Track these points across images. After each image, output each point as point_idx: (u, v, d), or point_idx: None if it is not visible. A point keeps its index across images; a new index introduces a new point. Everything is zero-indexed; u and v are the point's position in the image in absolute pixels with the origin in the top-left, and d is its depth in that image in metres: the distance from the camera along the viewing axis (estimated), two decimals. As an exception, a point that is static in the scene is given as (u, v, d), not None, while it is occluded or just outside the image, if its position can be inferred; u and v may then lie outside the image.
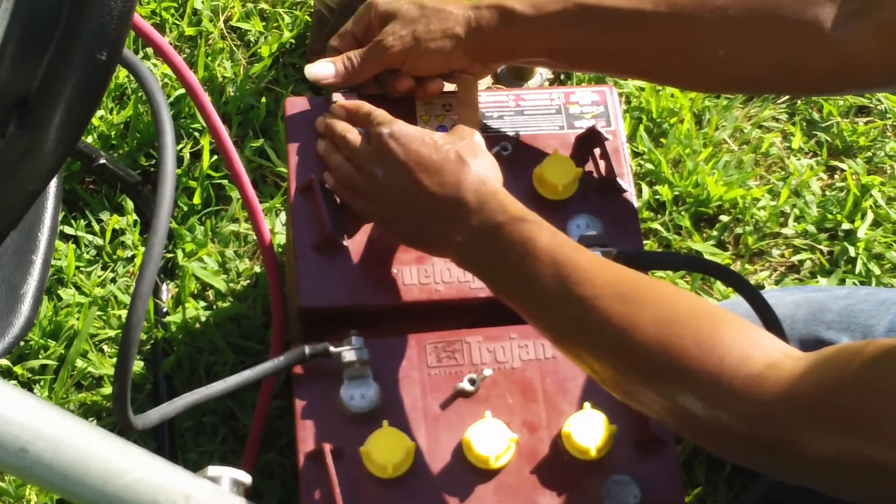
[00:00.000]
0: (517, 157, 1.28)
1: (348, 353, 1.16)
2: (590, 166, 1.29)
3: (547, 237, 1.06)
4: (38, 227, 1.09)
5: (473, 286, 1.23)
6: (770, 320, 1.15)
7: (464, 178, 1.12)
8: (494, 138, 1.28)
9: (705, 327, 0.97)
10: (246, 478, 0.76)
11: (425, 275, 1.23)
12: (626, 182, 1.29)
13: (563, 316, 1.04)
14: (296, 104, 1.30)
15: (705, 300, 1.12)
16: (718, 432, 0.94)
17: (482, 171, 1.13)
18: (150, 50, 1.75)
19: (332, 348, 1.16)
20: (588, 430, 1.16)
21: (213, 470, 0.75)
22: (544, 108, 1.33)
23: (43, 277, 1.08)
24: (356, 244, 1.23)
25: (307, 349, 1.17)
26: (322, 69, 1.26)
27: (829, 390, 0.88)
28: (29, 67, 0.67)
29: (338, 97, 1.25)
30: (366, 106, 1.21)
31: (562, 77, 1.78)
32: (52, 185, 1.14)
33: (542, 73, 1.75)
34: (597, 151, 1.29)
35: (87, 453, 0.66)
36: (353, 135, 1.19)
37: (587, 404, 1.17)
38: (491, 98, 1.32)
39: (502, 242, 1.08)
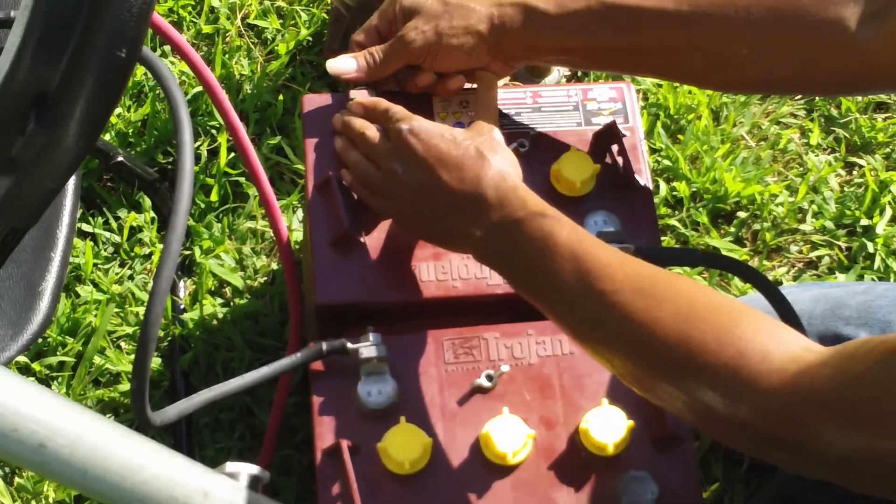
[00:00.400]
0: (534, 153, 1.28)
1: (365, 350, 1.16)
2: (607, 162, 1.29)
3: (567, 232, 1.06)
4: (56, 225, 1.10)
5: (491, 282, 1.23)
6: (788, 316, 1.15)
7: (483, 173, 1.12)
8: (512, 135, 1.28)
9: (725, 322, 0.97)
10: (264, 474, 0.76)
11: (442, 271, 1.23)
12: (644, 178, 1.28)
13: (582, 311, 1.04)
14: (313, 101, 1.30)
15: (724, 295, 1.11)
16: (737, 427, 0.94)
17: (502, 167, 1.13)
18: (167, 47, 1.76)
19: (349, 345, 1.16)
20: (605, 427, 1.16)
21: (230, 466, 0.75)
22: (562, 105, 1.32)
23: (61, 274, 1.08)
24: (373, 241, 1.23)
25: (324, 345, 1.17)
26: (344, 64, 1.26)
27: (848, 385, 0.88)
28: (49, 65, 0.67)
29: (356, 94, 1.25)
30: (383, 102, 1.21)
31: (579, 74, 1.77)
32: (70, 183, 1.15)
33: (559, 70, 1.74)
34: (614, 148, 1.29)
35: (105, 449, 0.66)
36: (372, 131, 1.19)
37: (604, 400, 1.17)
38: (508, 95, 1.32)
39: (522, 238, 1.08)
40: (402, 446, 1.13)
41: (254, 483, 0.75)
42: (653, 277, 1.03)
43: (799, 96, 1.85)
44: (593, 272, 1.03)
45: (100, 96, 0.68)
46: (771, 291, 1.16)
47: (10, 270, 1.07)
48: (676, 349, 0.96)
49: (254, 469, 0.76)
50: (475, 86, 1.28)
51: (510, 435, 1.15)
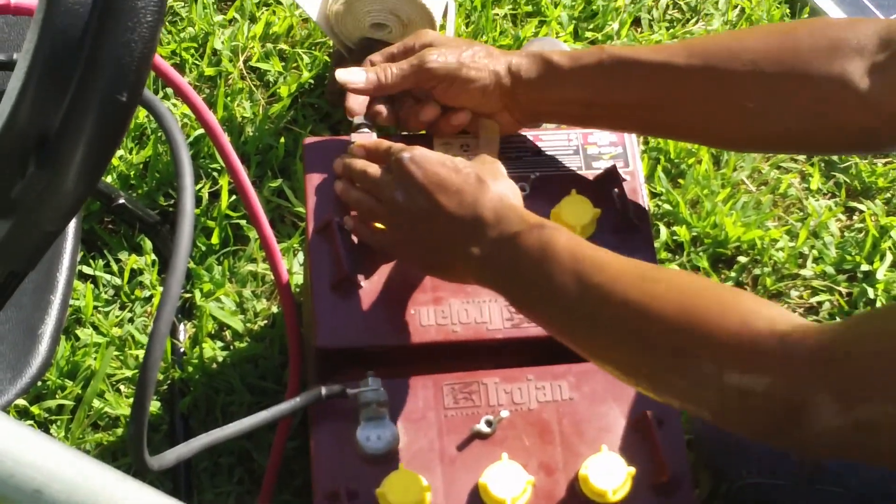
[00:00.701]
0: (535, 196, 1.28)
1: (365, 394, 1.16)
2: (608, 206, 1.29)
3: (565, 238, 1.06)
4: (56, 267, 1.10)
5: (491, 327, 1.23)
6: None
7: (482, 196, 1.12)
8: (512, 178, 1.28)
9: (727, 296, 0.97)
10: (262, 520, 0.76)
11: (442, 315, 1.23)
12: (645, 223, 1.28)
13: (582, 309, 1.03)
14: (314, 144, 1.30)
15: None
16: (744, 403, 0.93)
17: (502, 191, 1.13)
18: (170, 90, 1.76)
19: (348, 389, 1.16)
20: (605, 473, 1.15)
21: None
22: (562, 149, 1.33)
23: (61, 317, 1.08)
24: (374, 284, 1.23)
25: (324, 390, 1.16)
26: (353, 76, 1.25)
27: (862, 352, 0.87)
28: (49, 108, 0.67)
29: (357, 137, 1.25)
30: (385, 142, 1.21)
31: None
32: (71, 226, 1.15)
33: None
34: (615, 192, 1.29)
35: (102, 495, 0.65)
36: (373, 168, 1.19)
37: (604, 446, 1.17)
38: (509, 138, 1.32)
39: (520, 249, 1.08)
40: (400, 492, 1.13)
41: (251, 529, 0.75)
42: (651, 267, 1.04)
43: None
44: (593, 268, 1.03)
45: (100, 139, 0.68)
46: None
47: (10, 314, 1.07)
48: (679, 323, 0.96)
49: (252, 515, 0.75)
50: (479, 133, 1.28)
51: (509, 481, 1.14)
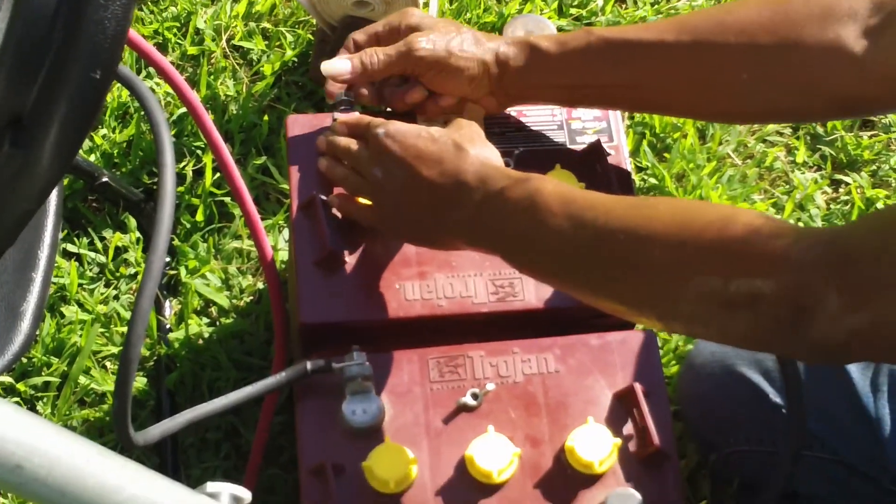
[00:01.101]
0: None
1: (350, 369, 1.16)
2: (592, 182, 1.29)
3: (552, 185, 1.05)
4: (37, 245, 1.09)
5: (476, 301, 1.23)
6: None
7: (462, 161, 1.11)
8: (496, 154, 1.28)
9: (726, 210, 0.97)
10: (245, 494, 0.76)
11: (427, 290, 1.23)
12: (629, 195, 1.28)
13: (579, 247, 1.02)
14: (297, 122, 1.30)
15: None
16: (752, 310, 0.92)
17: (482, 155, 1.13)
18: (153, 69, 1.76)
19: (334, 364, 1.16)
20: (591, 444, 1.15)
21: (211, 486, 0.75)
22: (546, 124, 1.33)
23: (43, 295, 1.08)
24: (358, 260, 1.23)
25: (309, 365, 1.16)
26: (339, 66, 1.24)
27: (869, 248, 0.87)
28: (23, 86, 0.67)
29: (340, 116, 1.25)
30: (365, 118, 1.21)
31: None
32: (53, 203, 1.14)
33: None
34: (598, 168, 1.29)
35: (83, 470, 0.65)
36: (355, 145, 1.19)
37: (590, 418, 1.17)
38: (493, 115, 1.32)
39: (508, 204, 1.07)
40: (387, 465, 1.13)
41: (236, 503, 0.75)
42: (643, 197, 1.04)
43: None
44: (584, 207, 1.02)
45: (75, 117, 0.67)
46: None
47: (-9, 292, 1.07)
48: (679, 239, 0.96)
49: (236, 489, 0.76)
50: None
51: (496, 453, 1.15)
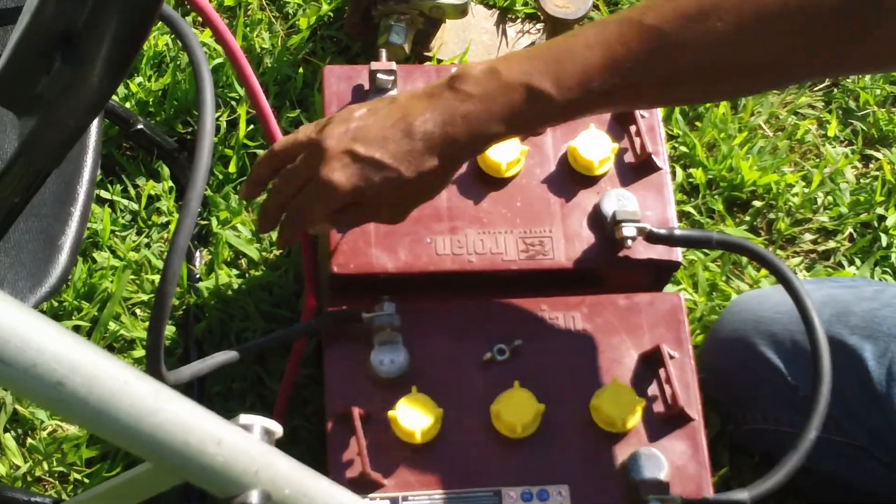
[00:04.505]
0: (551, 132, 1.29)
1: (380, 319, 1.16)
2: (625, 143, 1.30)
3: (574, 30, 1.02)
4: (77, 180, 1.10)
5: (506, 258, 1.23)
6: (801, 307, 1.15)
7: (406, 105, 1.04)
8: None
9: None
10: (277, 427, 0.77)
11: (458, 245, 1.24)
12: (661, 160, 1.29)
13: (664, 47, 0.97)
14: (334, 73, 1.30)
15: None
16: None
17: (419, 94, 1.05)
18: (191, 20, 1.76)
19: (363, 313, 1.17)
20: (616, 404, 1.16)
21: (244, 418, 0.76)
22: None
23: (80, 230, 1.09)
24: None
25: (339, 313, 1.17)
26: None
27: None
28: (75, 3, 0.68)
29: (377, 66, 1.25)
30: (285, 141, 1.12)
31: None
32: (92, 139, 1.15)
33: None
34: (632, 129, 1.30)
35: (122, 390, 0.66)
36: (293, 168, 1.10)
37: (615, 378, 1.18)
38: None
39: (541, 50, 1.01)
40: (413, 416, 1.14)
41: (267, 436, 0.76)
42: None
43: (817, 87, 1.85)
44: (641, 14, 0.98)
45: (125, 35, 0.68)
46: (787, 280, 1.16)
47: (30, 224, 1.08)
48: None
49: (267, 422, 0.76)
50: None
51: (521, 408, 1.15)
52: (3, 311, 0.62)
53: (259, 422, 0.77)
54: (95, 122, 1.14)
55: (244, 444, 0.73)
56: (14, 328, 0.62)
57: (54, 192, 1.09)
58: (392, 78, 1.28)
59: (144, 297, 1.56)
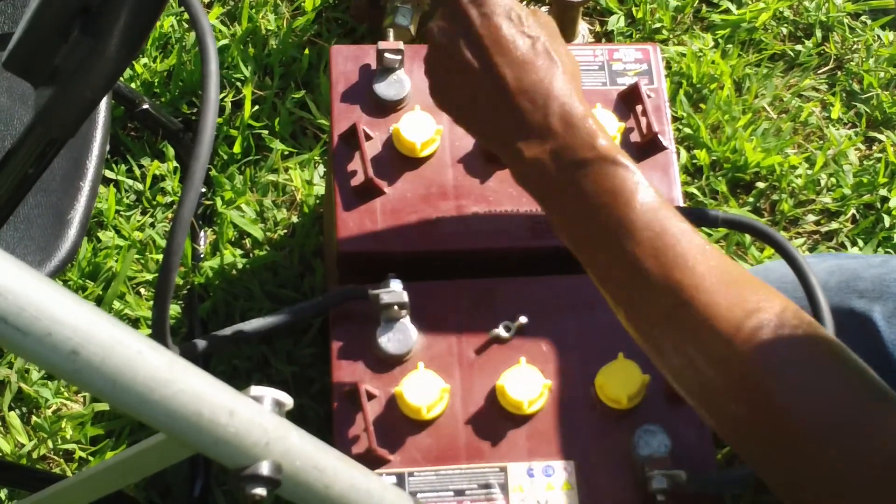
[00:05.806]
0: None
1: (386, 296, 1.16)
2: (631, 123, 1.30)
3: (641, 194, 0.92)
4: (86, 156, 1.10)
5: (512, 237, 1.24)
6: (806, 282, 1.15)
7: (551, 82, 0.95)
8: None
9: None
10: (287, 399, 0.77)
11: (465, 224, 1.24)
12: (667, 140, 1.29)
13: (661, 301, 0.91)
14: (341, 52, 1.30)
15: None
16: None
17: (570, 74, 0.97)
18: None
19: (370, 290, 1.17)
20: (621, 380, 1.16)
21: (255, 390, 0.76)
22: (587, 65, 1.33)
23: (89, 205, 1.09)
24: (396, 191, 1.24)
25: (346, 290, 1.18)
26: None
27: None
28: (94, -27, 0.68)
29: (384, 45, 1.25)
30: None
31: (605, 32, 1.78)
32: (102, 116, 1.15)
33: (583, 35, 1.75)
34: (638, 108, 1.30)
35: (136, 360, 0.67)
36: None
37: (621, 354, 1.18)
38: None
39: (586, 184, 0.92)
40: (419, 392, 1.14)
41: (278, 407, 0.76)
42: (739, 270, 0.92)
43: (821, 69, 1.85)
44: (677, 261, 0.90)
45: (142, 7, 0.68)
46: (792, 258, 1.16)
47: (39, 198, 1.08)
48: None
49: (278, 394, 0.77)
50: None
51: (526, 385, 1.15)
52: (18, 280, 0.62)
53: (270, 393, 0.77)
54: (105, 99, 1.14)
55: (256, 415, 0.74)
56: (29, 297, 0.62)
57: (63, 167, 1.09)
58: (399, 58, 1.28)
59: (149, 277, 1.56)
